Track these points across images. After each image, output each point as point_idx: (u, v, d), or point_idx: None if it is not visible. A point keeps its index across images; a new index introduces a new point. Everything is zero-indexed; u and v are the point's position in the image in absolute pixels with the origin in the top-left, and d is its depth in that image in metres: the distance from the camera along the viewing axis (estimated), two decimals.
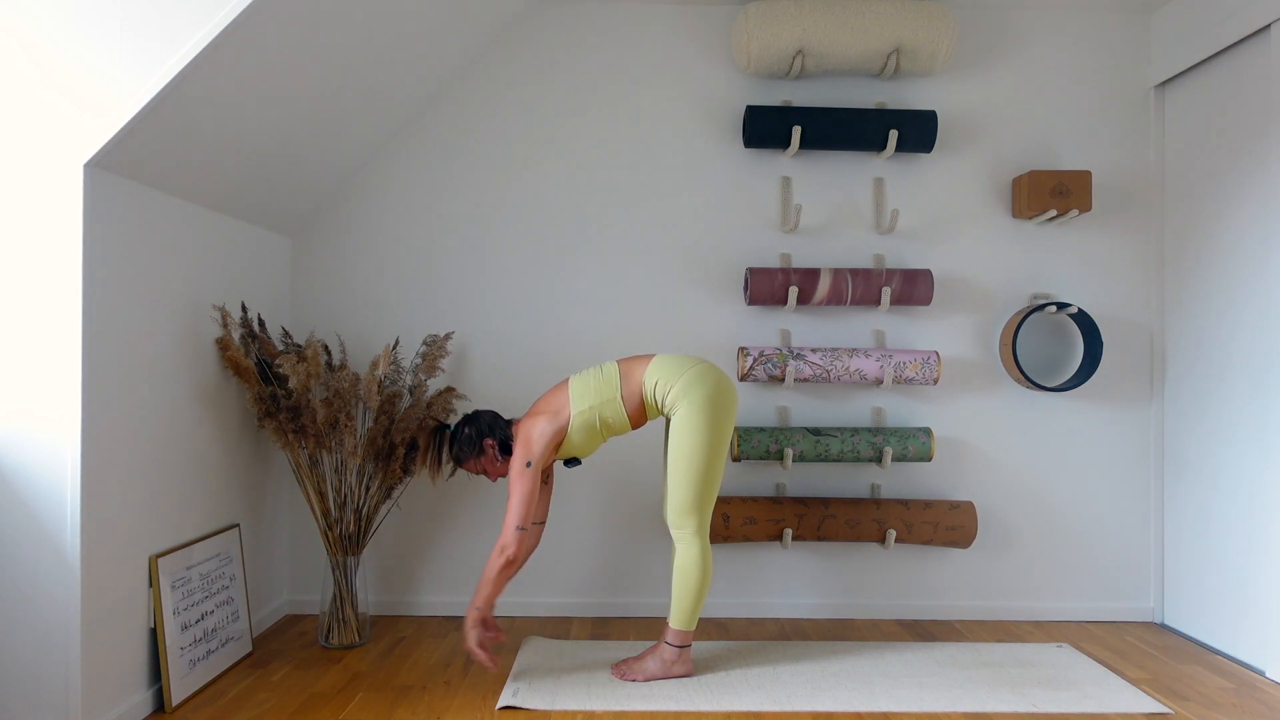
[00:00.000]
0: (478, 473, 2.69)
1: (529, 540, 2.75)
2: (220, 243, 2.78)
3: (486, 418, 2.66)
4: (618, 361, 2.63)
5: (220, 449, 2.79)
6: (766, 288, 3.12)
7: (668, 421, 2.56)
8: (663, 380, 2.53)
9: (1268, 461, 2.76)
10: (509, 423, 2.68)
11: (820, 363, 3.11)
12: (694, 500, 2.50)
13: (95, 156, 2.09)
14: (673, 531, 2.54)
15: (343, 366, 3.02)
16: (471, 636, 2.48)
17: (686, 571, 2.52)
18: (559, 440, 2.55)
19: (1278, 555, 2.70)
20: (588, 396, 2.56)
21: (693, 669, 2.60)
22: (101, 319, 2.16)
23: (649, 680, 2.55)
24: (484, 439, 2.63)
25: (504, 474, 2.67)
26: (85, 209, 2.09)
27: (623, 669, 2.58)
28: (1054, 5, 3.30)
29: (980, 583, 3.29)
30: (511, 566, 2.50)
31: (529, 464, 2.49)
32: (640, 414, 2.59)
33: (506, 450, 2.63)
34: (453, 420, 3.16)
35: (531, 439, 2.52)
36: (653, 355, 2.63)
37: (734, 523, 3.09)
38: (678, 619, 2.55)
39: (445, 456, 2.72)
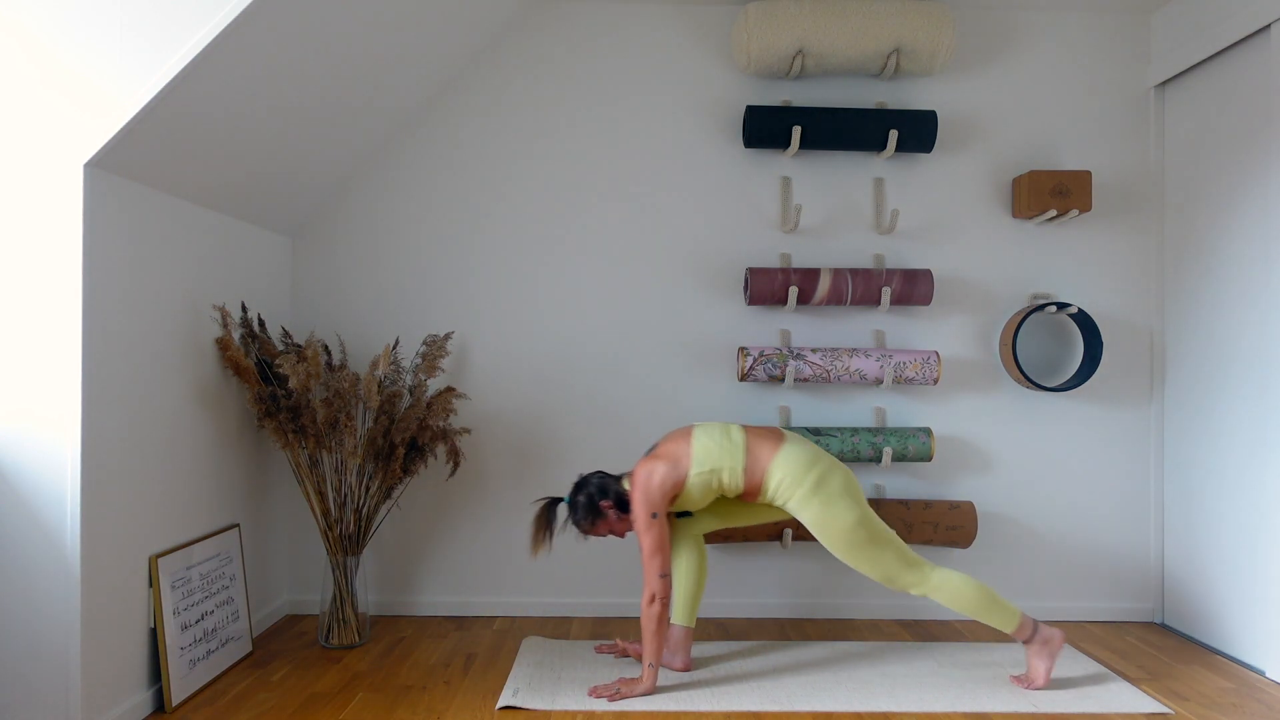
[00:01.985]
0: (605, 534, 2.64)
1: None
2: (220, 243, 2.78)
3: (595, 480, 2.61)
4: (745, 431, 2.57)
5: (220, 449, 2.79)
6: (766, 288, 3.12)
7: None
8: (788, 480, 2.48)
9: (1268, 461, 2.76)
10: (619, 477, 2.64)
11: (820, 363, 3.11)
12: (895, 562, 2.47)
13: (95, 156, 2.09)
14: (911, 592, 2.51)
15: (343, 366, 3.02)
16: (641, 689, 2.45)
17: (960, 600, 2.48)
18: (676, 491, 2.51)
19: (1278, 555, 2.70)
20: (710, 459, 2.50)
21: (1061, 634, 2.55)
22: (101, 319, 2.16)
23: (1048, 680, 2.52)
24: (600, 502, 2.58)
25: (630, 529, 2.62)
26: (85, 209, 2.09)
27: None
28: (1054, 5, 3.30)
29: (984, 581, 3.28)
30: (665, 609, 2.45)
31: (654, 516, 2.46)
32: (755, 492, 2.54)
33: (624, 506, 2.59)
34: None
35: (651, 488, 2.48)
36: (780, 438, 2.56)
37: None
38: (1003, 627, 2.50)
39: (556, 527, 2.65)
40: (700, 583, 2.73)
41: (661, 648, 2.46)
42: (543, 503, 2.66)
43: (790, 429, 3.14)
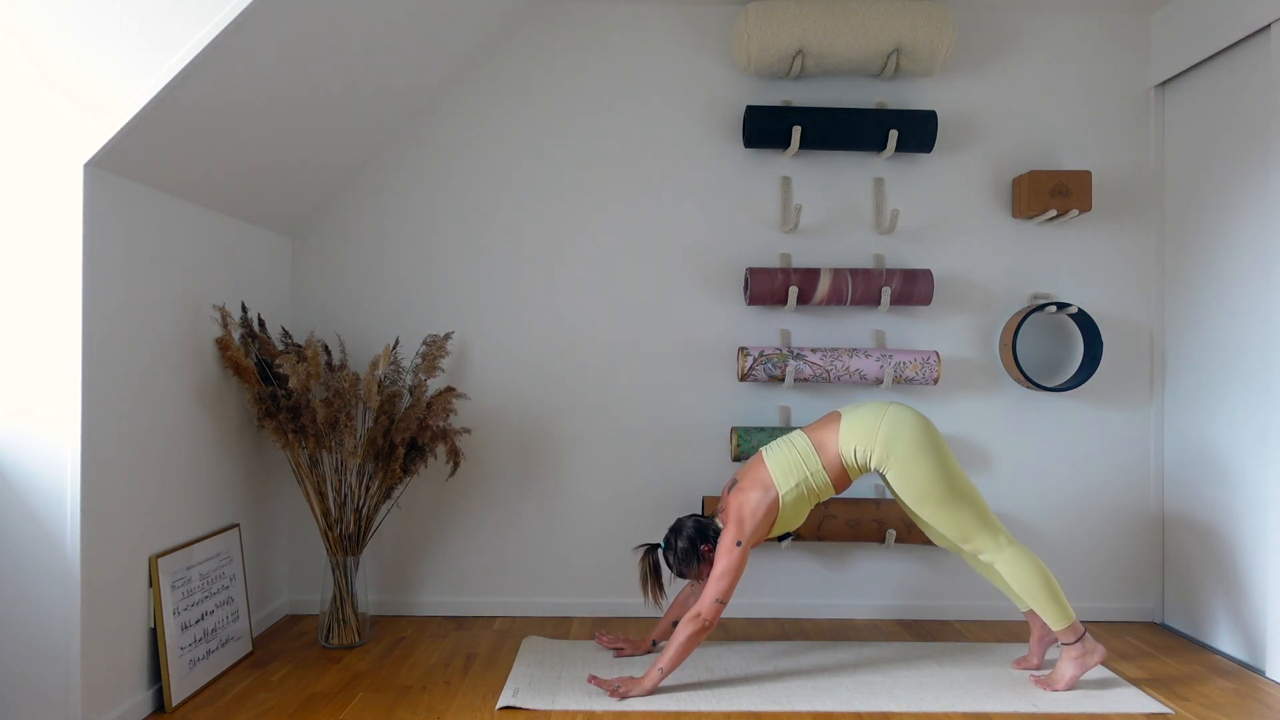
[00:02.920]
0: (705, 578, 2.59)
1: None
2: (220, 243, 2.78)
3: (690, 525, 2.60)
4: (805, 432, 2.59)
5: (220, 449, 2.79)
6: (766, 288, 3.12)
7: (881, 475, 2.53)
8: (861, 444, 2.49)
9: (1268, 461, 2.76)
10: (711, 518, 2.64)
11: (820, 363, 3.11)
12: (973, 521, 2.46)
13: (95, 156, 2.09)
14: (980, 557, 2.51)
15: (343, 366, 3.02)
16: (641, 689, 2.44)
17: (1024, 579, 2.46)
18: (773, 517, 2.50)
19: (1278, 555, 2.70)
20: (791, 474, 2.51)
21: (1104, 651, 2.52)
22: (101, 319, 2.16)
23: (1070, 687, 2.50)
24: (700, 546, 2.57)
25: None
26: (85, 209, 2.09)
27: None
28: (1054, 5, 3.30)
29: (980, 583, 3.28)
30: (704, 634, 2.44)
31: (739, 543, 2.45)
32: (843, 478, 2.55)
33: None
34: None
35: (744, 516, 2.47)
36: (837, 417, 2.56)
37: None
38: (1054, 621, 2.49)
39: (664, 575, 2.63)
40: (1000, 583, 2.70)
41: (681, 661, 2.45)
42: (643, 550, 2.64)
43: (790, 429, 3.14)
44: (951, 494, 2.45)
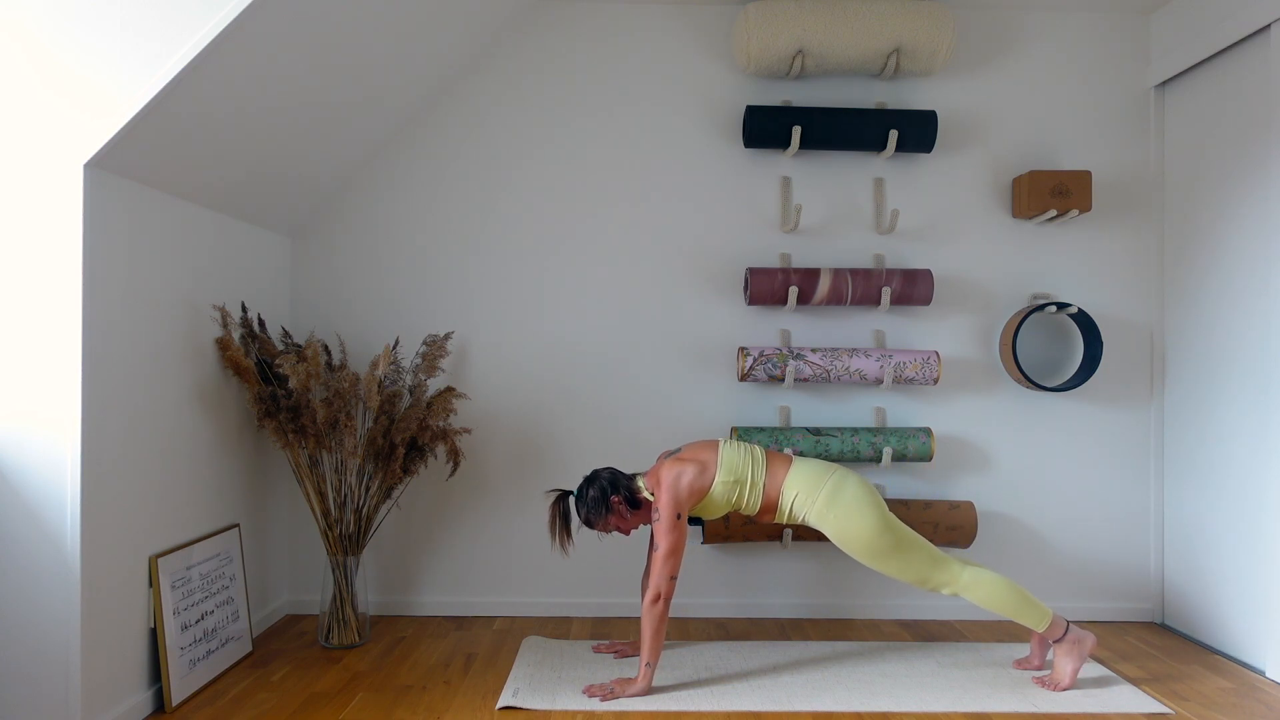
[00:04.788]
0: (610, 531, 2.63)
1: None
2: (220, 243, 2.78)
3: (606, 475, 2.61)
4: (765, 450, 2.63)
5: (220, 449, 2.79)
6: (766, 288, 3.12)
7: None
8: (804, 493, 2.53)
9: (1268, 461, 2.76)
10: (631, 476, 2.65)
11: (820, 363, 3.11)
12: (924, 563, 2.50)
13: (95, 156, 2.09)
14: (943, 592, 2.54)
15: (343, 366, 3.02)
16: (636, 689, 2.44)
17: (991, 599, 2.50)
18: (701, 496, 2.53)
19: (1278, 555, 2.69)
20: (736, 469, 2.55)
21: (1093, 637, 2.56)
22: (101, 319, 2.16)
23: (1073, 683, 2.52)
24: (610, 497, 2.57)
25: (637, 526, 2.65)
26: (85, 209, 2.09)
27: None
28: (1054, 5, 3.30)
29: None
30: (667, 606, 2.45)
31: (679, 516, 2.48)
32: (771, 511, 2.59)
33: (633, 503, 2.59)
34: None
35: (680, 489, 2.49)
36: (789, 460, 2.61)
37: (734, 523, 3.09)
38: (1034, 625, 2.51)
39: (573, 523, 2.66)
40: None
41: (660, 648, 2.46)
42: (554, 495, 2.66)
43: (790, 429, 3.14)
44: (897, 543, 2.49)
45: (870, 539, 2.48)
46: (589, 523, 2.61)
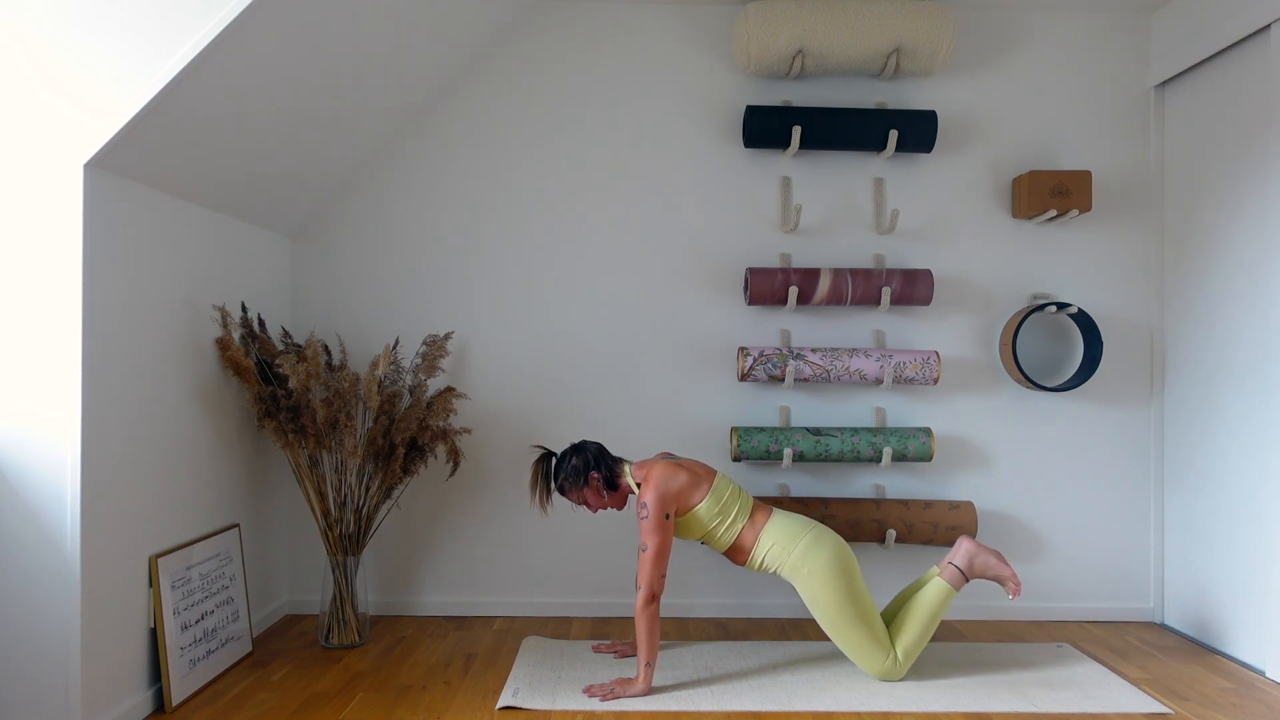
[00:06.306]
0: (579, 503, 2.66)
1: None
2: (220, 243, 2.78)
3: (593, 449, 2.63)
4: (754, 499, 2.67)
5: (220, 449, 2.79)
6: (766, 288, 3.12)
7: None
8: (779, 546, 2.55)
9: (1268, 462, 2.76)
10: (617, 460, 2.67)
11: (820, 363, 3.11)
12: (865, 641, 2.53)
13: (95, 156, 2.09)
14: (864, 669, 2.58)
15: (343, 366, 3.02)
16: (636, 689, 2.45)
17: (925, 638, 2.58)
18: (684, 507, 2.55)
19: (1278, 555, 2.70)
20: (723, 500, 2.57)
21: (968, 541, 2.68)
22: (101, 319, 2.16)
23: (1013, 574, 2.64)
24: (590, 471, 2.59)
25: (604, 508, 2.67)
26: (85, 209, 2.09)
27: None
28: (1054, 5, 3.30)
29: (980, 583, 3.28)
30: (658, 604, 2.47)
31: (668, 516, 2.50)
32: (741, 554, 2.61)
33: (612, 485, 2.61)
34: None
35: (670, 490, 2.51)
36: (771, 510, 2.64)
37: None
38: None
39: (553, 485, 2.67)
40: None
41: (656, 647, 2.47)
42: (540, 454, 2.68)
43: (790, 429, 3.14)
44: (853, 619, 2.52)
45: (832, 608, 2.52)
46: (562, 489, 2.63)
